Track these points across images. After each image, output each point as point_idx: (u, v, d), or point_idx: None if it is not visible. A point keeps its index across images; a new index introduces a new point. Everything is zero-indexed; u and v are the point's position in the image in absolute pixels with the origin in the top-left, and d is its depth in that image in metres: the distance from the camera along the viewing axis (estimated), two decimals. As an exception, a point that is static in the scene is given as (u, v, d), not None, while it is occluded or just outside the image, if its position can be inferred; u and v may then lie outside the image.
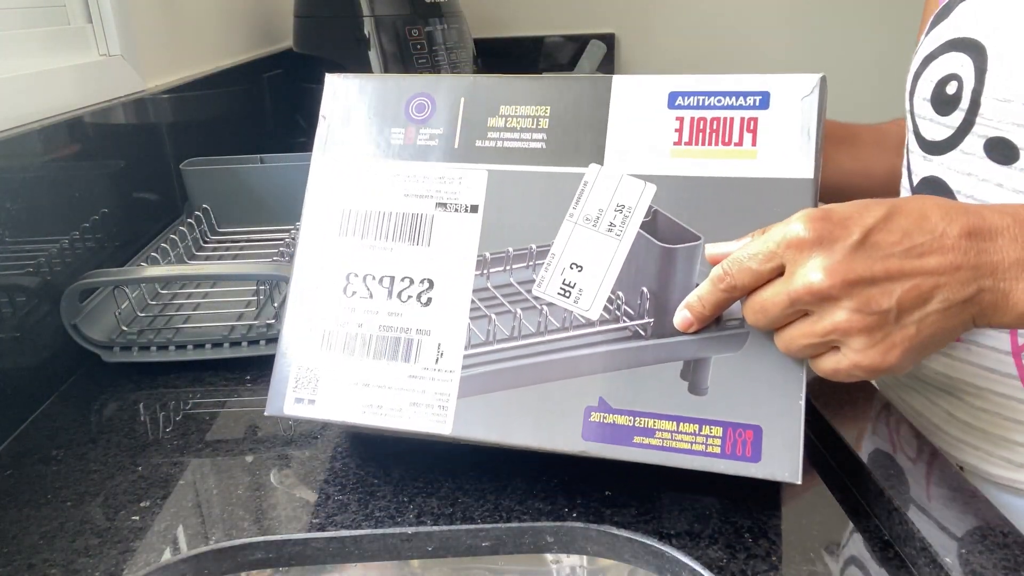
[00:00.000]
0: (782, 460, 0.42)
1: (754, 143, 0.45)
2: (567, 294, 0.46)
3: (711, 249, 0.43)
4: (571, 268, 0.46)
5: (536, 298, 0.47)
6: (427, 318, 0.48)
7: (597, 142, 0.47)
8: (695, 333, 0.44)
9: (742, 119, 0.45)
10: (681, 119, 0.46)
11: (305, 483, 0.52)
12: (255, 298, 0.74)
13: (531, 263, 0.47)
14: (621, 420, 0.44)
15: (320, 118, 0.52)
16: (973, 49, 0.52)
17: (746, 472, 0.43)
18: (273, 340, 0.68)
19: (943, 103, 0.54)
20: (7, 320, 0.61)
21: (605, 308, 0.46)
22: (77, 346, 0.66)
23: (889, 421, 0.53)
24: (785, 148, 0.45)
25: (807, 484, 0.50)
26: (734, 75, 0.46)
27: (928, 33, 0.57)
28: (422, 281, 0.48)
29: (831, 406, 0.54)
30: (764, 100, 0.45)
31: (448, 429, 0.46)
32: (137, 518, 0.49)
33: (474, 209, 0.48)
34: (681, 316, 0.44)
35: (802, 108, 0.45)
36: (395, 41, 1.30)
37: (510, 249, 0.47)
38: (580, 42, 1.68)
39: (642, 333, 0.45)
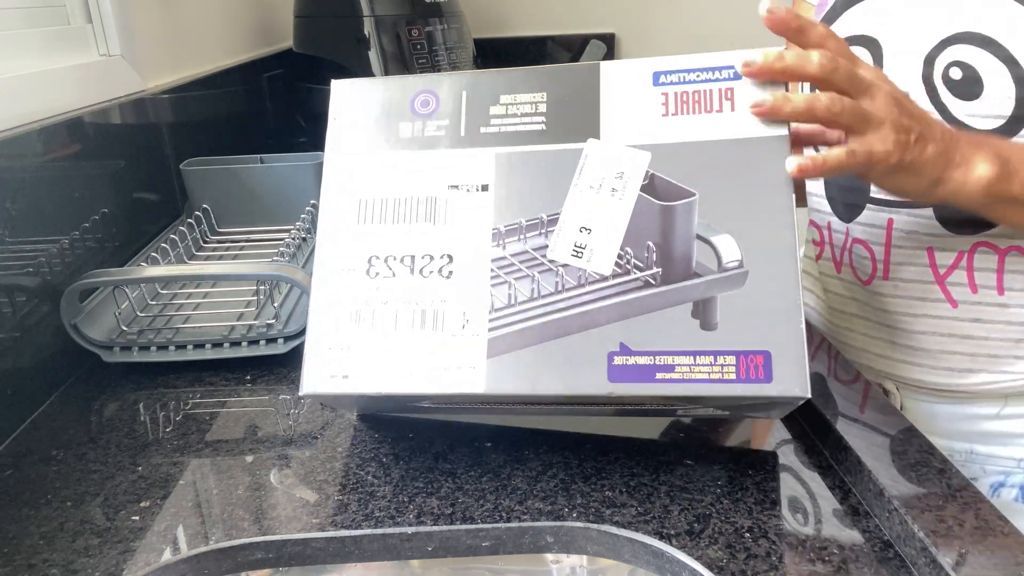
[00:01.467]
0: (792, 379, 0.46)
1: (733, 109, 0.50)
2: (579, 255, 0.50)
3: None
4: (580, 231, 0.50)
5: (551, 261, 0.50)
6: (449, 289, 0.51)
7: (592, 120, 0.52)
8: (699, 276, 0.49)
9: (719, 89, 0.50)
10: (666, 94, 0.51)
11: (305, 483, 0.52)
12: (255, 298, 0.74)
13: (543, 231, 0.51)
14: (643, 360, 0.48)
15: (330, 119, 0.55)
16: (869, 43, 0.64)
17: (761, 392, 0.46)
18: (273, 340, 0.68)
19: None
20: (7, 320, 0.61)
21: (616, 263, 0.49)
22: (77, 346, 0.66)
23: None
24: None
25: (807, 484, 0.50)
26: (706, 53, 0.51)
27: None
28: (442, 256, 0.51)
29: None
30: (736, 73, 0.50)
31: (482, 388, 0.49)
32: (137, 518, 0.49)
33: (485, 188, 0.52)
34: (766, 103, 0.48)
35: None
36: (395, 41, 1.30)
37: (522, 220, 0.51)
38: (580, 42, 1.68)
39: (652, 282, 0.49)
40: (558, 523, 0.47)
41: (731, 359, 0.47)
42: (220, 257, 0.87)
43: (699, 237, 0.49)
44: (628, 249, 0.49)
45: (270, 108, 1.36)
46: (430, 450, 0.54)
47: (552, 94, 0.52)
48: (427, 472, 0.52)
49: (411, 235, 0.52)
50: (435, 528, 0.47)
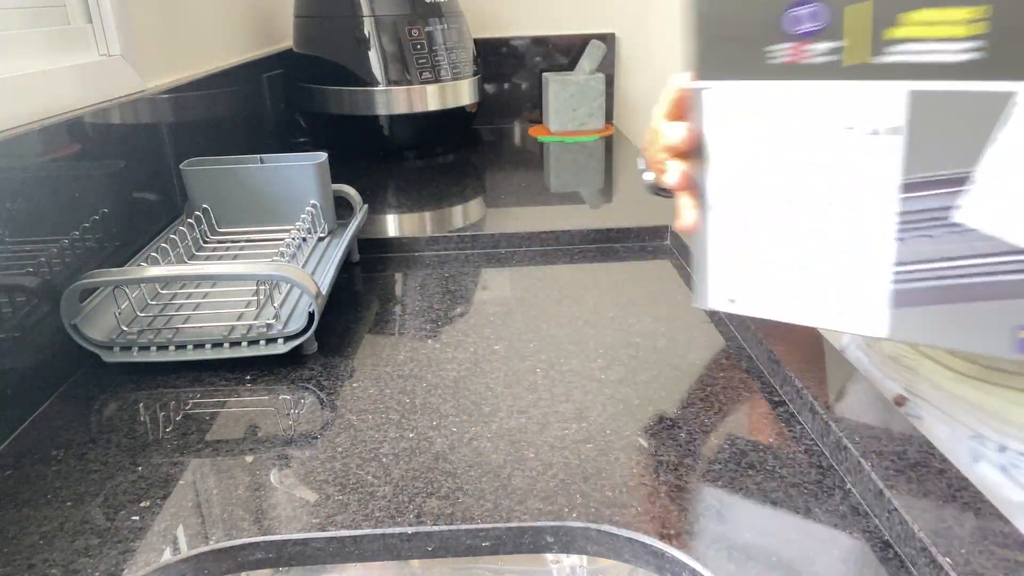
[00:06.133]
0: None
1: None
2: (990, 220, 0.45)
3: None
4: (996, 196, 0.44)
5: (958, 224, 0.45)
6: (852, 235, 0.49)
7: None
8: None
9: None
10: None
11: (305, 483, 0.52)
12: (255, 298, 0.74)
13: (952, 189, 0.45)
14: None
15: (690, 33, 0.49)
16: None
17: None
18: (273, 340, 0.68)
19: None
20: (7, 320, 0.61)
21: None
22: (77, 346, 0.66)
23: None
24: None
25: (807, 484, 0.50)
26: None
27: None
28: (843, 203, 0.48)
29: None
30: None
31: (884, 333, 0.49)
32: (137, 518, 0.49)
33: (893, 131, 0.46)
34: None
35: None
36: (395, 41, 1.30)
37: (929, 174, 0.45)
38: (580, 42, 1.68)
39: None
40: (558, 523, 0.47)
41: None
42: (220, 257, 0.87)
43: None
44: None
45: (270, 108, 1.36)
46: (430, 450, 0.54)
47: (1000, 6, 0.40)
48: (427, 472, 0.52)
49: (806, 179, 0.49)
50: (435, 528, 0.47)
